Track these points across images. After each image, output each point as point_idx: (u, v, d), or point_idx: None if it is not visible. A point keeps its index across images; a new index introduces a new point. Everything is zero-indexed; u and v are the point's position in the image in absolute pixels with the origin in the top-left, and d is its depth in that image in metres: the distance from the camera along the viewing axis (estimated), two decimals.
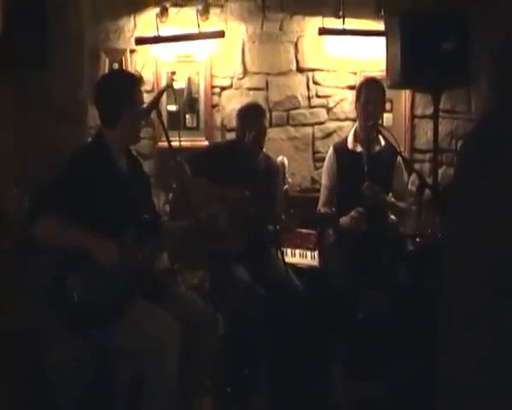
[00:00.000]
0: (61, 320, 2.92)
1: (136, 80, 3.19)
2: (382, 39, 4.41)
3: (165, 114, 4.57)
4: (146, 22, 4.84)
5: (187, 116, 4.89)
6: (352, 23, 4.83)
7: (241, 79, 4.96)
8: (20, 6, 3.72)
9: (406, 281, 3.81)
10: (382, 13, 4.77)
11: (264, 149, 4.11)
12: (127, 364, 3.04)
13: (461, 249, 1.95)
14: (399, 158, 4.12)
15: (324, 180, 4.23)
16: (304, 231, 4.19)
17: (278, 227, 3.66)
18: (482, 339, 1.84)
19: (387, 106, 4.62)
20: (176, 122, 4.68)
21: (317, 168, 4.96)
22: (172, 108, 4.70)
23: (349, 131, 4.29)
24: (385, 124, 4.57)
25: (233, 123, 4.44)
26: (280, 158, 4.49)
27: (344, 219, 3.96)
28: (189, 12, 4.83)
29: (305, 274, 3.96)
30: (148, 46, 4.83)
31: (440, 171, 4.80)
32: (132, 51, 4.86)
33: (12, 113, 3.99)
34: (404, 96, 4.96)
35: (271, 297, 3.66)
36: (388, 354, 3.68)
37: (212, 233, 3.24)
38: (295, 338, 3.67)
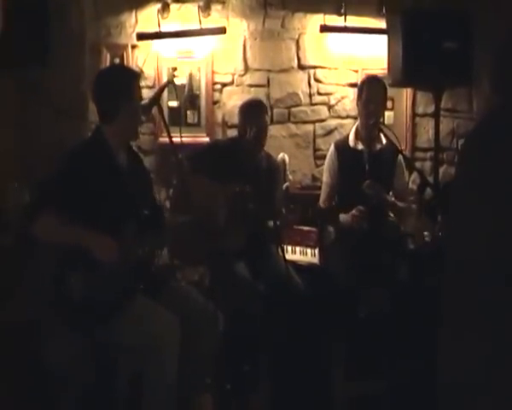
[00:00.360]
0: (61, 316, 2.92)
1: (135, 75, 3.17)
2: (384, 37, 4.41)
3: (166, 110, 4.56)
4: (147, 18, 4.83)
5: (188, 112, 4.89)
6: (353, 21, 4.83)
7: (242, 75, 4.95)
8: (21, 2, 3.71)
9: (407, 279, 3.81)
10: (384, 11, 4.76)
11: (265, 147, 4.11)
12: (127, 360, 3.03)
13: (462, 248, 1.95)
14: (400, 157, 4.12)
15: (325, 178, 4.23)
16: (304, 228, 4.19)
17: (278, 223, 3.66)
18: (482, 338, 1.85)
19: (389, 104, 4.61)
20: (177, 118, 4.68)
21: (317, 166, 4.96)
22: (173, 104, 4.70)
23: (350, 128, 4.28)
24: (386, 122, 4.56)
25: (234, 119, 4.44)
26: (281, 155, 4.49)
27: (345, 218, 3.96)
28: (191, 8, 4.83)
29: (305, 272, 3.95)
30: (149, 42, 4.83)
31: (441, 169, 4.81)
32: (134, 47, 4.85)
33: (13, 108, 3.99)
34: (406, 94, 4.96)
35: (271, 294, 3.66)
36: (388, 352, 3.68)
37: (212, 230, 3.24)
38: (295, 336, 3.66)
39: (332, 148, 4.23)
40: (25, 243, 3.28)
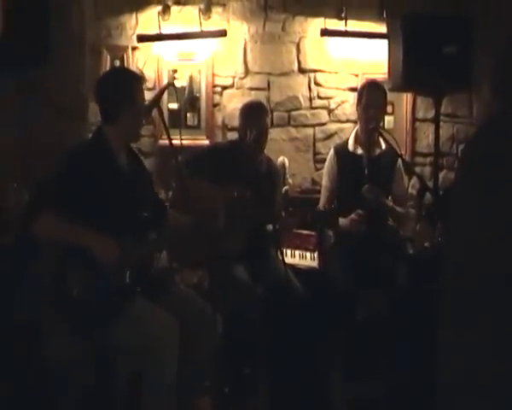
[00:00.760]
0: (60, 316, 2.92)
1: (139, 78, 3.19)
2: (384, 42, 4.41)
3: (166, 113, 4.56)
4: (148, 20, 4.83)
5: (188, 115, 4.89)
6: (354, 25, 4.84)
7: (242, 78, 4.96)
8: (21, 2, 3.71)
9: (405, 283, 3.81)
10: (385, 15, 4.77)
11: (265, 150, 4.11)
12: (126, 361, 3.03)
13: (462, 251, 1.95)
14: (400, 162, 4.12)
15: (325, 181, 4.23)
16: (304, 232, 4.19)
17: (278, 227, 3.65)
18: (482, 339, 1.85)
19: (389, 109, 4.61)
20: (177, 120, 4.68)
21: (317, 169, 4.97)
22: (174, 106, 4.69)
23: (350, 132, 4.28)
24: (386, 126, 4.58)
25: (234, 122, 4.44)
26: (281, 159, 4.49)
27: (344, 222, 3.96)
28: (192, 10, 4.83)
29: (304, 275, 3.95)
30: (149, 44, 4.83)
31: (441, 174, 4.82)
32: (134, 48, 4.86)
33: (13, 108, 3.98)
34: (406, 98, 4.97)
35: (270, 297, 3.65)
36: (387, 355, 3.68)
37: (211, 233, 3.24)
38: (294, 339, 3.66)
39: (331, 152, 4.23)
40: (24, 243, 3.27)
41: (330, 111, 5.01)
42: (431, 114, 4.81)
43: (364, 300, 3.79)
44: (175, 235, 3.27)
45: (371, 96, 4.04)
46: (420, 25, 4.02)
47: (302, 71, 4.97)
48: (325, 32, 4.84)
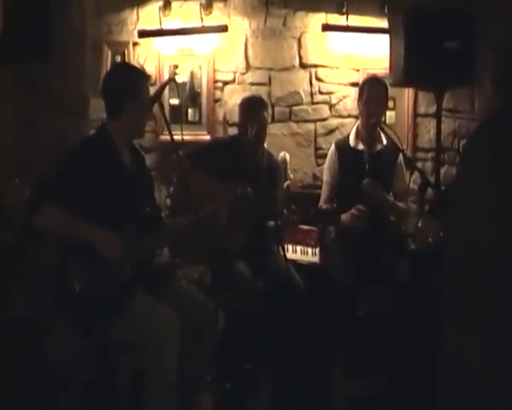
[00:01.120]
0: (61, 313, 2.92)
1: (143, 74, 3.20)
2: (386, 37, 4.40)
3: (167, 108, 4.56)
4: (149, 15, 4.83)
5: (189, 110, 4.89)
6: (355, 20, 4.83)
7: (243, 73, 4.95)
8: None
9: (406, 279, 3.80)
10: (386, 10, 4.75)
11: (266, 145, 4.11)
12: (128, 357, 3.03)
13: (464, 247, 1.95)
14: (401, 158, 4.12)
15: (326, 177, 4.23)
16: (305, 227, 4.19)
17: (279, 223, 3.65)
18: (482, 338, 1.84)
19: (390, 104, 4.60)
20: (178, 116, 4.68)
21: (318, 165, 4.96)
22: (175, 101, 4.69)
23: (351, 128, 4.28)
24: (388, 122, 4.57)
25: (235, 118, 4.43)
26: (282, 154, 4.48)
27: (345, 217, 3.95)
28: (193, 6, 4.82)
29: (305, 271, 3.95)
30: (150, 39, 4.82)
31: (442, 170, 4.81)
32: (135, 44, 4.85)
33: (14, 105, 3.98)
34: (407, 94, 4.95)
35: (272, 293, 3.65)
36: (388, 351, 3.68)
37: (213, 229, 3.24)
38: (295, 335, 3.66)
39: (333, 147, 4.23)
40: (26, 240, 3.28)
41: (331, 106, 5.00)
42: (432, 109, 4.80)
43: (365, 296, 3.79)
44: (176, 233, 3.26)
45: (372, 92, 4.03)
46: (421, 20, 4.01)
47: (303, 66, 4.96)
48: (326, 27, 4.83)
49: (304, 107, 4.99)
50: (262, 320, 3.59)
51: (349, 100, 4.96)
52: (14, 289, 3.38)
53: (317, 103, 4.99)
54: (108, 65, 4.73)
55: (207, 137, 4.85)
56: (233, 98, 4.89)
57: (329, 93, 4.98)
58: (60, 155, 3.03)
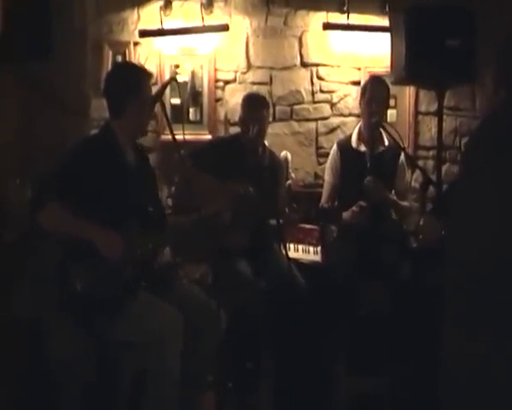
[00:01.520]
0: (63, 312, 2.92)
1: (146, 73, 3.18)
2: (387, 35, 4.38)
3: (168, 108, 4.55)
4: (150, 15, 4.83)
5: (190, 110, 4.89)
6: (356, 18, 4.83)
7: (244, 73, 4.95)
8: None
9: (408, 277, 3.80)
10: (387, 8, 4.74)
11: (268, 144, 4.11)
12: (131, 356, 3.03)
13: (466, 246, 1.95)
14: (402, 157, 4.13)
15: (328, 177, 4.23)
16: (307, 226, 4.18)
17: (281, 222, 3.65)
18: (484, 338, 1.84)
19: (391, 102, 4.59)
20: (179, 116, 4.67)
21: (320, 164, 4.96)
22: (176, 101, 4.68)
23: (353, 126, 4.29)
24: (389, 120, 4.56)
25: (236, 117, 4.43)
26: (283, 153, 4.48)
27: (346, 214, 3.95)
28: (193, 5, 4.82)
29: (307, 270, 3.95)
30: (151, 39, 4.82)
31: (444, 168, 4.81)
32: (136, 44, 4.85)
33: (15, 104, 3.98)
34: (409, 92, 4.95)
35: (274, 292, 3.65)
36: (390, 350, 3.68)
37: (215, 229, 3.24)
38: (297, 334, 3.66)
39: (335, 147, 4.23)
40: (28, 239, 3.28)
41: (333, 105, 5.00)
42: (434, 107, 4.80)
43: (367, 294, 3.79)
44: (179, 232, 3.26)
45: (375, 91, 4.04)
46: (422, 18, 3.99)
47: (304, 65, 4.96)
48: (327, 26, 4.83)
49: (305, 106, 4.99)
50: (264, 319, 3.59)
51: (350, 98, 4.96)
52: (16, 289, 3.37)
53: (319, 102, 4.99)
54: (109, 65, 4.72)
55: (209, 137, 4.84)
56: (234, 97, 4.89)
57: (330, 92, 4.98)
58: (62, 155, 3.03)
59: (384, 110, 4.16)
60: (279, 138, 4.91)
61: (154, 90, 3.25)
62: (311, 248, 4.23)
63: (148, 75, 3.20)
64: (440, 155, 4.46)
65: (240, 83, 4.95)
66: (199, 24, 4.76)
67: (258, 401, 3.58)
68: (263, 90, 4.86)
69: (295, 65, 4.96)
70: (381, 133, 4.10)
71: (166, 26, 4.76)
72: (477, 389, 1.87)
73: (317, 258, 4.17)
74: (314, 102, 4.98)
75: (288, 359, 3.68)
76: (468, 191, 1.98)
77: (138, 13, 4.85)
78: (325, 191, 4.22)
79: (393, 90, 4.38)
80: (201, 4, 4.76)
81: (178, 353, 2.89)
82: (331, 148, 4.32)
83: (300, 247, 4.23)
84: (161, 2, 4.77)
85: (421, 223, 3.83)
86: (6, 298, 3.35)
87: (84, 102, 4.30)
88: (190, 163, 3.65)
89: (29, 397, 3.20)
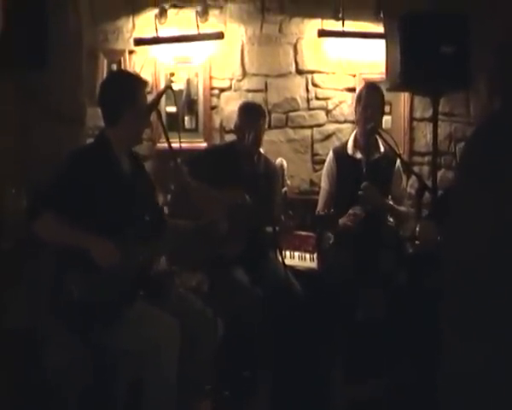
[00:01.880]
0: (60, 320, 2.91)
1: (140, 81, 3.18)
2: (382, 42, 4.40)
3: (164, 116, 4.53)
4: (145, 23, 4.84)
5: (186, 118, 4.89)
6: (351, 25, 4.84)
7: (240, 80, 4.96)
8: (19, 6, 3.70)
9: (405, 283, 3.80)
10: (382, 15, 4.76)
11: (263, 151, 4.11)
12: (127, 365, 3.02)
13: (462, 251, 1.95)
14: (398, 164, 4.13)
15: (324, 184, 4.23)
16: (303, 233, 4.19)
17: (277, 229, 3.65)
18: (483, 342, 1.84)
19: (387, 108, 4.61)
20: (175, 124, 4.66)
21: (316, 170, 4.96)
22: (172, 109, 4.68)
23: (348, 133, 4.30)
24: (384, 126, 4.55)
25: (232, 125, 4.43)
26: (279, 160, 4.48)
27: (342, 220, 3.95)
28: (188, 13, 4.84)
29: (304, 277, 3.95)
30: (146, 47, 4.84)
31: (439, 174, 4.81)
32: (131, 52, 4.87)
33: (10, 112, 3.98)
34: (404, 98, 4.96)
35: (271, 299, 3.64)
36: (387, 355, 3.68)
37: (211, 237, 3.23)
38: (294, 340, 3.66)
39: (330, 155, 4.23)
40: (24, 248, 3.27)
41: (328, 112, 5.00)
42: (428, 113, 4.81)
43: (364, 300, 3.79)
44: (176, 240, 3.25)
45: (370, 98, 4.05)
46: (417, 24, 4.01)
47: (299, 72, 4.97)
48: (322, 33, 4.84)
49: (300, 113, 5.00)
50: (260, 327, 3.58)
51: (345, 105, 4.96)
52: (12, 297, 3.36)
53: (314, 109, 5.00)
54: (104, 73, 4.74)
55: (204, 145, 4.85)
56: (229, 105, 4.90)
57: (326, 99, 4.99)
58: (58, 164, 3.02)
59: (379, 117, 4.16)
60: (274, 146, 4.91)
61: (150, 98, 3.25)
62: (308, 255, 4.23)
63: (143, 83, 3.19)
64: (436, 160, 4.47)
65: (235, 90, 4.95)
66: (194, 32, 4.77)
67: (255, 408, 3.57)
68: (258, 97, 4.87)
69: (290, 72, 4.97)
70: (376, 140, 4.10)
71: (162, 35, 4.77)
72: (477, 393, 1.87)
73: (314, 265, 4.17)
74: (309, 110, 4.99)
75: (285, 366, 3.68)
76: (465, 197, 1.98)
77: (133, 21, 4.86)
78: (321, 198, 4.22)
79: (388, 96, 4.39)
80: (196, 12, 4.78)
81: (175, 361, 2.88)
82: (327, 155, 4.32)
83: (296, 254, 4.24)
84: (156, 11, 4.78)
85: (417, 229, 3.84)
86: (1, 307, 3.34)
87: (80, 110, 4.30)
88: (186, 171, 3.65)
89: (25, 406, 3.18)
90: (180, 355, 2.91)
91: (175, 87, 4.64)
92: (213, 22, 4.86)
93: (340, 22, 4.81)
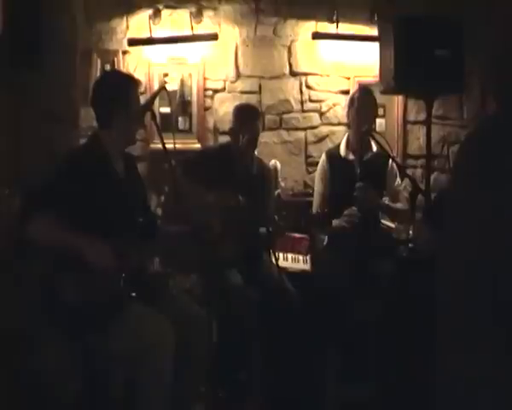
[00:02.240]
0: (52, 324, 2.89)
1: (133, 81, 3.16)
2: (376, 44, 4.41)
3: (157, 117, 4.54)
4: (139, 24, 4.83)
5: (179, 119, 4.88)
6: (345, 28, 4.86)
7: (233, 82, 4.95)
8: (13, 8, 3.68)
9: (398, 286, 3.81)
10: (376, 18, 4.78)
11: (257, 153, 4.11)
12: (121, 368, 3.00)
13: (459, 255, 1.94)
14: (391, 162, 4.13)
15: (317, 186, 4.23)
16: (296, 235, 4.19)
17: (271, 229, 3.65)
18: (482, 350, 1.84)
19: (380, 111, 4.64)
20: (168, 124, 4.65)
21: (309, 172, 4.96)
22: (165, 110, 4.66)
23: (341, 135, 4.30)
24: (377, 129, 4.58)
25: (225, 126, 4.43)
26: (272, 162, 4.48)
27: (337, 222, 3.95)
28: (183, 14, 4.83)
29: (297, 279, 3.94)
30: (140, 48, 4.82)
31: (432, 176, 4.82)
32: (125, 53, 4.85)
33: (4, 113, 3.95)
34: (397, 101, 4.97)
35: (265, 301, 3.64)
36: (381, 358, 3.68)
37: (205, 239, 3.22)
38: (289, 342, 3.65)
39: (323, 157, 4.24)
40: (16, 250, 3.25)
41: (322, 114, 5.01)
42: (422, 116, 4.83)
43: (357, 303, 3.79)
44: (169, 242, 3.25)
45: (362, 101, 4.06)
46: (411, 28, 4.02)
47: (293, 74, 4.97)
48: (316, 35, 4.85)
49: (294, 115, 5.00)
50: (255, 328, 3.58)
51: (339, 108, 4.97)
52: (3, 300, 3.34)
53: (308, 111, 5.00)
54: (98, 74, 4.72)
55: (198, 146, 4.84)
56: (223, 106, 4.90)
57: (320, 101, 5.00)
58: (51, 165, 3.01)
59: (372, 120, 4.18)
60: (268, 147, 4.91)
61: (144, 99, 3.24)
62: (301, 257, 4.23)
63: (137, 84, 3.18)
64: (429, 163, 4.48)
65: (229, 92, 4.95)
66: (188, 33, 4.77)
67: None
68: (252, 99, 4.87)
69: (284, 74, 4.97)
70: (369, 140, 4.10)
71: (155, 35, 4.76)
72: (475, 403, 1.86)
73: (307, 267, 4.17)
74: (303, 112, 5.00)
75: (280, 367, 3.67)
76: (459, 201, 1.98)
77: (127, 22, 4.85)
78: (315, 201, 4.22)
79: (382, 99, 4.41)
80: (190, 13, 4.77)
81: (170, 364, 2.86)
82: (320, 157, 4.33)
83: (290, 256, 4.23)
84: (150, 11, 4.77)
85: (411, 232, 3.85)
86: None
87: (74, 111, 4.28)
88: (180, 173, 3.65)
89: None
90: (174, 357, 2.90)
91: (168, 88, 4.63)
92: (207, 23, 4.85)
93: (335, 25, 4.83)
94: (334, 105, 5.00)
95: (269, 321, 3.62)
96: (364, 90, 4.17)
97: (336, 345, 3.77)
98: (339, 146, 4.20)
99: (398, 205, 4.14)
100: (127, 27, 4.86)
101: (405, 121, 5.03)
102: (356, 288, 3.79)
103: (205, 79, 4.91)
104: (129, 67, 4.85)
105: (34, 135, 3.95)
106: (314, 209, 4.17)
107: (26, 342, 3.21)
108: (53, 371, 3.02)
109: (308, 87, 4.98)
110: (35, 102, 3.94)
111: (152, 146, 4.76)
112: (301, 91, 4.98)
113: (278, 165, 4.51)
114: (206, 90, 4.93)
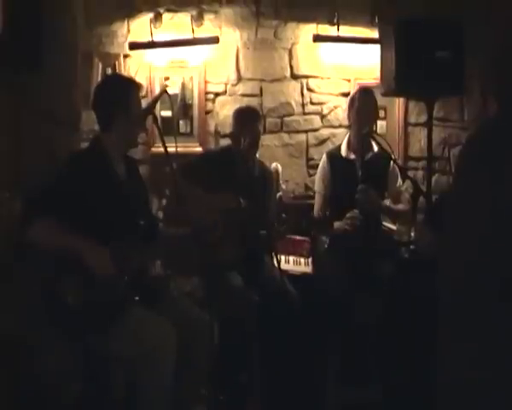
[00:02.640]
0: (54, 327, 2.89)
1: (135, 84, 3.17)
2: (377, 47, 4.41)
3: (159, 120, 4.54)
4: (140, 27, 4.84)
5: (180, 122, 4.89)
6: (346, 30, 4.85)
7: (235, 85, 4.96)
8: (14, 10, 3.69)
9: (399, 288, 3.80)
10: (377, 20, 4.78)
11: (258, 156, 4.11)
12: (123, 370, 3.00)
13: (460, 256, 1.94)
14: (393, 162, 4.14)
15: (318, 188, 4.23)
16: (298, 237, 4.18)
17: (271, 232, 3.65)
18: (481, 347, 1.84)
19: (381, 113, 4.65)
20: (170, 128, 4.66)
21: (310, 175, 4.96)
22: (167, 113, 4.67)
23: (343, 138, 4.29)
24: (379, 131, 4.58)
25: (227, 129, 4.44)
26: (274, 165, 4.49)
27: (338, 224, 3.94)
28: (184, 18, 4.84)
29: (298, 281, 3.94)
30: (141, 51, 4.83)
31: (433, 178, 4.82)
32: (126, 56, 4.86)
33: (4, 116, 3.96)
34: (398, 103, 4.97)
35: (266, 303, 3.64)
36: (382, 360, 3.68)
37: (207, 242, 3.22)
38: (290, 345, 3.65)
39: (324, 158, 4.23)
40: (17, 253, 3.25)
41: (323, 117, 5.01)
42: (423, 118, 4.83)
43: (358, 304, 3.79)
44: (171, 245, 3.25)
45: (364, 101, 4.06)
46: (412, 30, 4.02)
47: (294, 77, 4.98)
48: (317, 38, 4.85)
49: (295, 117, 5.00)
50: (256, 331, 3.58)
51: (340, 110, 4.97)
52: (3, 304, 3.34)
53: (309, 114, 5.01)
54: (99, 77, 4.73)
55: (199, 149, 4.84)
56: (224, 110, 4.91)
57: (321, 103, 5.00)
58: (52, 168, 3.01)
59: (373, 121, 4.18)
60: (269, 150, 4.92)
61: (145, 103, 3.25)
62: (302, 260, 4.22)
63: (138, 87, 3.18)
64: (430, 165, 4.47)
65: (230, 95, 4.96)
66: (189, 36, 4.78)
67: None
68: (253, 102, 4.87)
69: (285, 77, 4.98)
70: (369, 141, 4.10)
71: (156, 39, 4.77)
72: (474, 404, 1.86)
73: (308, 269, 4.17)
74: (304, 114, 5.00)
75: (281, 370, 3.67)
76: (460, 203, 1.98)
77: (128, 25, 4.86)
78: (317, 202, 4.22)
79: (383, 101, 4.41)
80: (191, 17, 4.78)
81: (171, 366, 2.86)
82: (321, 159, 4.33)
83: (291, 258, 4.23)
84: (151, 15, 4.78)
85: (412, 234, 3.85)
86: None
87: (75, 114, 4.28)
88: (181, 176, 3.65)
89: None
90: (176, 360, 2.90)
91: (170, 91, 4.64)
92: (208, 27, 4.86)
93: (336, 27, 4.82)
94: (336, 107, 5.00)
95: (270, 323, 3.62)
96: (364, 91, 4.17)
97: (337, 347, 3.76)
98: (340, 147, 4.21)
99: (400, 206, 4.14)
100: (128, 31, 4.87)
101: (406, 123, 5.02)
102: (357, 290, 3.79)
103: (206, 82, 4.91)
104: (130, 70, 4.86)
105: (34, 136, 3.95)
106: (315, 211, 4.17)
107: (26, 344, 3.21)
108: (54, 373, 3.01)
109: (309, 90, 4.98)
110: (35, 102, 3.93)
111: (153, 149, 4.77)
112: (302, 94, 4.98)
113: (279, 168, 4.51)
114: (207, 93, 4.93)
